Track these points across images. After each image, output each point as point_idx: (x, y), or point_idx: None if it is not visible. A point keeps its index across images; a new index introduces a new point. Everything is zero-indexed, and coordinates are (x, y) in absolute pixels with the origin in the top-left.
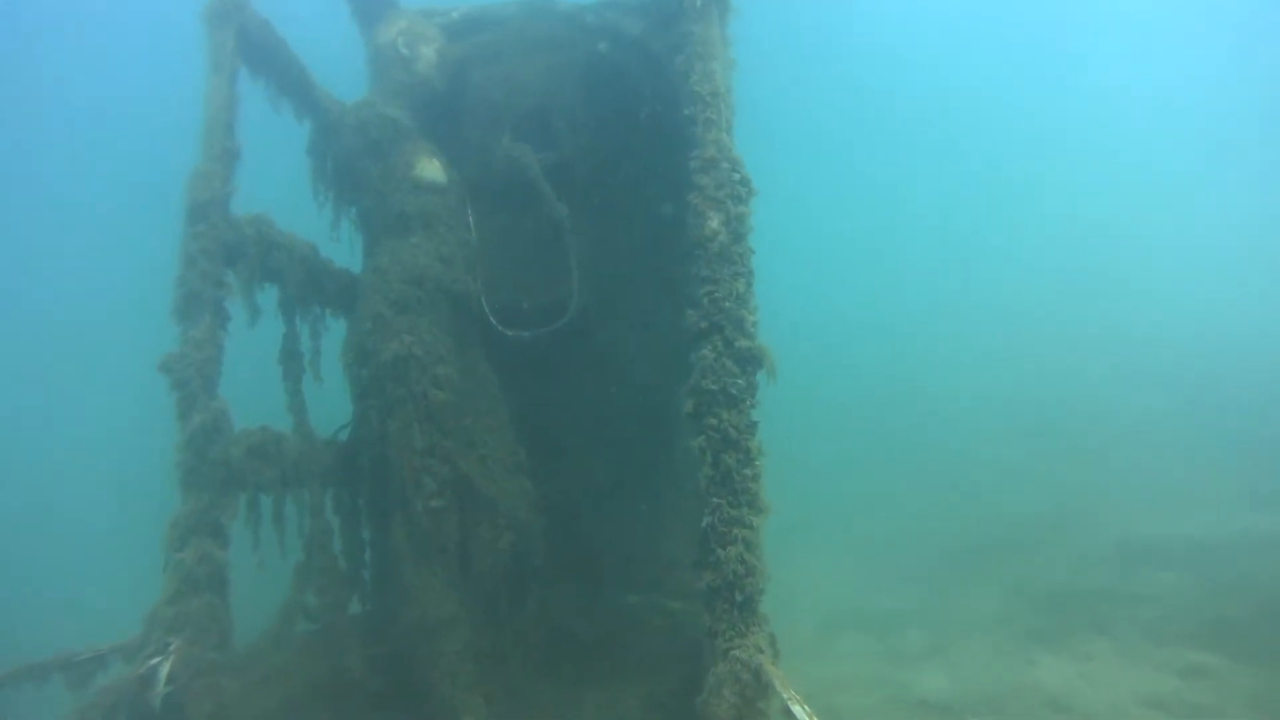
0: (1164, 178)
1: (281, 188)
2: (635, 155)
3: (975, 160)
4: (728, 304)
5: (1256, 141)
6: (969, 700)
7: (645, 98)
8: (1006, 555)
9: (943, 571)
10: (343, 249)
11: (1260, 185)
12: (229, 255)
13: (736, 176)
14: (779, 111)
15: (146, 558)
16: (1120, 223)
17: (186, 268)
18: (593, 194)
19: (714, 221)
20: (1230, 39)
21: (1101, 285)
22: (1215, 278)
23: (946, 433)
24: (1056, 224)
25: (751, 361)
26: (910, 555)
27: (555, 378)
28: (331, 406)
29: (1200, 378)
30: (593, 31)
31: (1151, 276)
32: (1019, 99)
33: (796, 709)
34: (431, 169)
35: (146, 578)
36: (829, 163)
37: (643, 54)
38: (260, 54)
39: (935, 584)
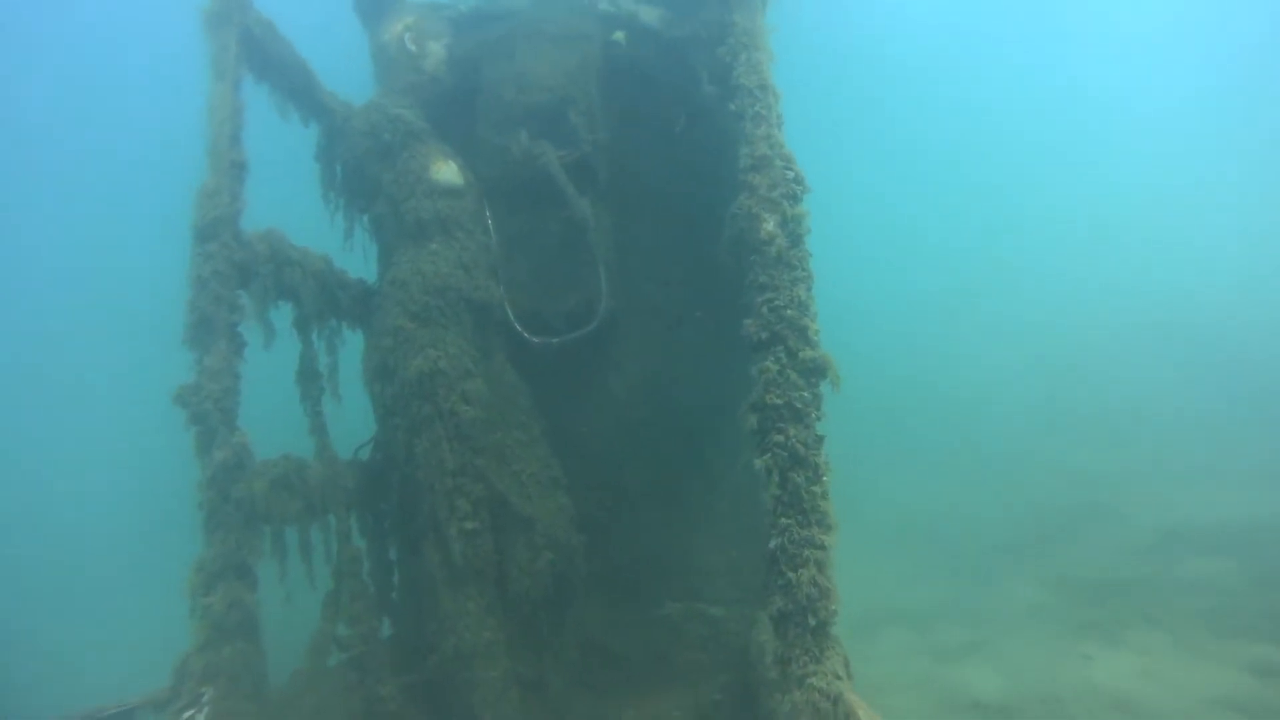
0: (1174, 168)
1: (289, 193)
2: (660, 149)
3: (993, 159)
4: (789, 312)
5: (1263, 130)
6: (1025, 701)
7: (668, 90)
8: (1042, 546)
9: (978, 564)
10: (356, 258)
11: (1265, 172)
12: (241, 275)
13: (791, 175)
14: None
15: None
16: (1134, 214)
17: (198, 291)
18: (616, 192)
19: (770, 224)
20: (1227, 40)
21: (1120, 275)
22: (1228, 263)
23: (971, 424)
24: (1073, 218)
25: (816, 372)
26: (942, 549)
27: (582, 384)
28: (346, 421)
29: (1220, 360)
30: (607, 21)
31: (1168, 265)
32: (1031, 100)
33: None
34: (447, 171)
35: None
36: (842, 161)
37: (663, 43)
38: (264, 57)
39: (971, 577)
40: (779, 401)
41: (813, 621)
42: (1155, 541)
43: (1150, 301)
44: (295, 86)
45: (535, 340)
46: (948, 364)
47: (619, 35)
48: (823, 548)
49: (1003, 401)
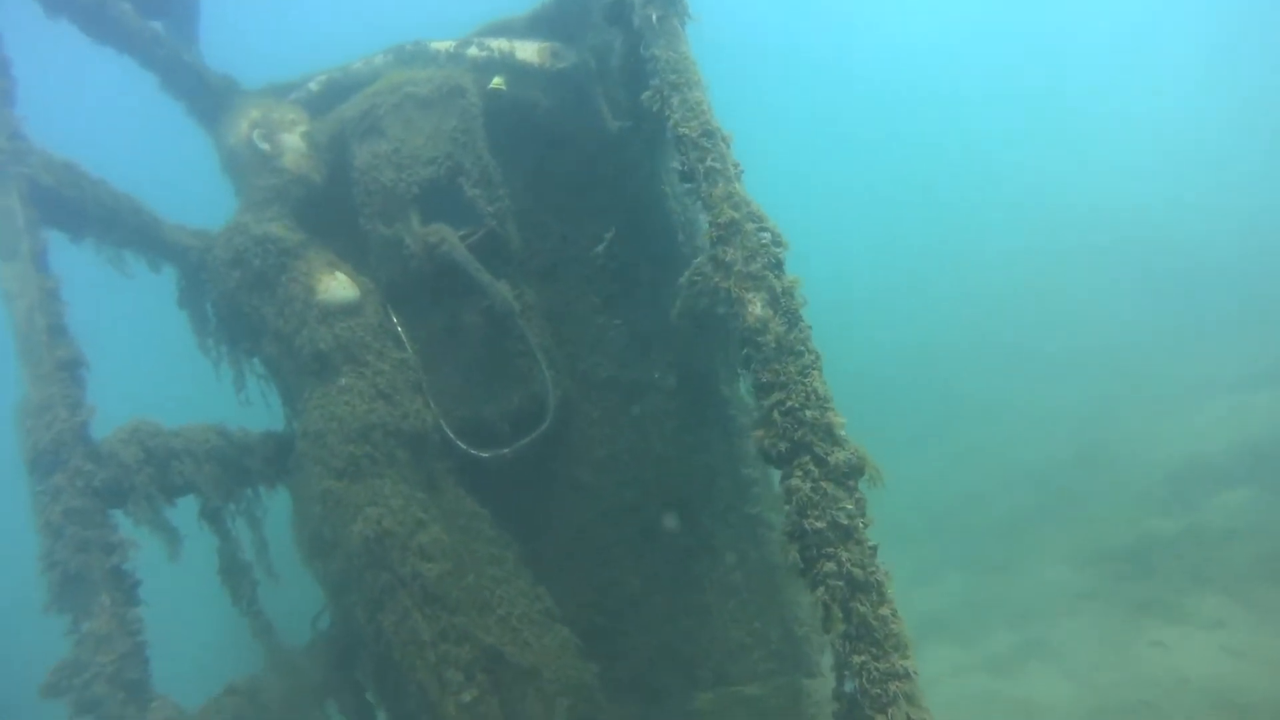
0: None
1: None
2: (572, 200)
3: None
4: (809, 413)
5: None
6: (1115, 710)
7: (568, 132)
8: (1053, 516)
9: (994, 548)
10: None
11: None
12: (110, 498)
13: (768, 236)
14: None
15: None
16: (1071, 132)
17: (52, 542)
18: (534, 259)
19: (758, 306)
20: None
21: (1059, 199)
22: (1172, 174)
23: (939, 387)
24: (1007, 148)
25: (852, 474)
26: (948, 534)
27: (548, 484)
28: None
29: (1176, 273)
30: (482, 67)
31: (1109, 183)
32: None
33: None
34: (337, 286)
35: None
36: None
37: (551, 79)
38: (70, 210)
39: (991, 565)
40: (820, 524)
41: None
42: (1167, 485)
43: (1094, 222)
44: (127, 233)
45: (486, 455)
46: (903, 327)
47: (498, 81)
48: (907, 676)
49: (966, 356)
